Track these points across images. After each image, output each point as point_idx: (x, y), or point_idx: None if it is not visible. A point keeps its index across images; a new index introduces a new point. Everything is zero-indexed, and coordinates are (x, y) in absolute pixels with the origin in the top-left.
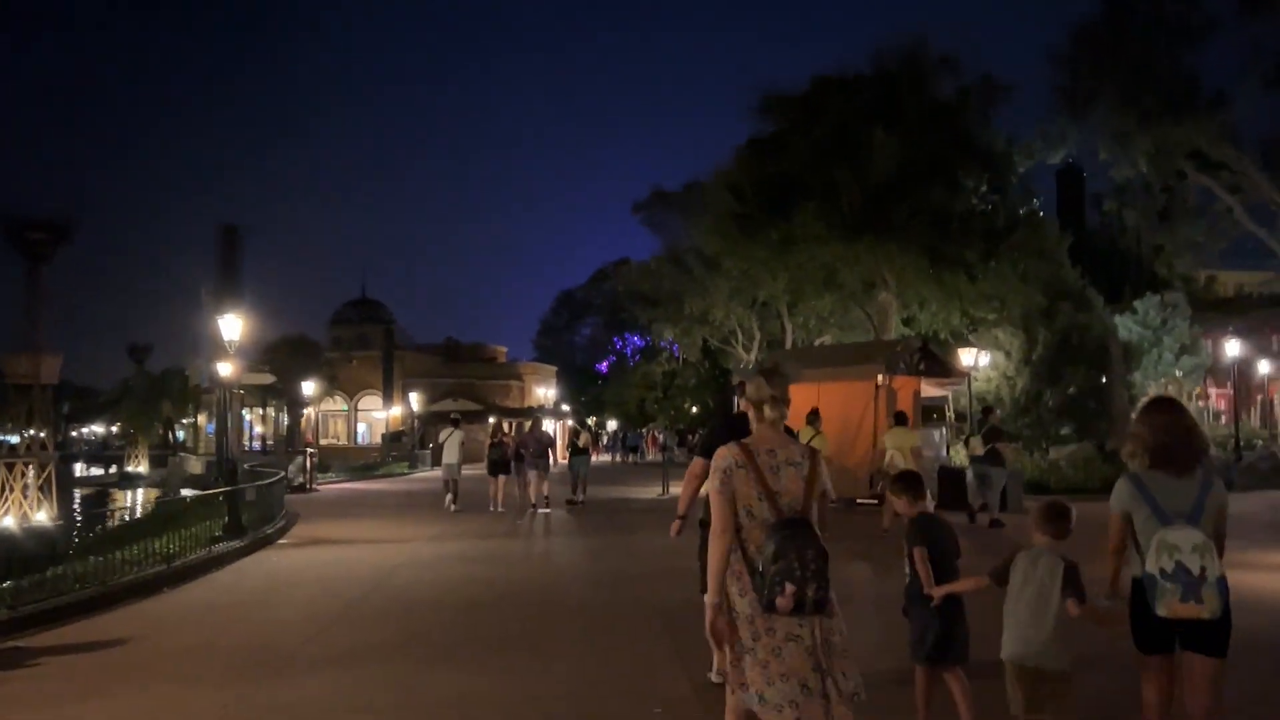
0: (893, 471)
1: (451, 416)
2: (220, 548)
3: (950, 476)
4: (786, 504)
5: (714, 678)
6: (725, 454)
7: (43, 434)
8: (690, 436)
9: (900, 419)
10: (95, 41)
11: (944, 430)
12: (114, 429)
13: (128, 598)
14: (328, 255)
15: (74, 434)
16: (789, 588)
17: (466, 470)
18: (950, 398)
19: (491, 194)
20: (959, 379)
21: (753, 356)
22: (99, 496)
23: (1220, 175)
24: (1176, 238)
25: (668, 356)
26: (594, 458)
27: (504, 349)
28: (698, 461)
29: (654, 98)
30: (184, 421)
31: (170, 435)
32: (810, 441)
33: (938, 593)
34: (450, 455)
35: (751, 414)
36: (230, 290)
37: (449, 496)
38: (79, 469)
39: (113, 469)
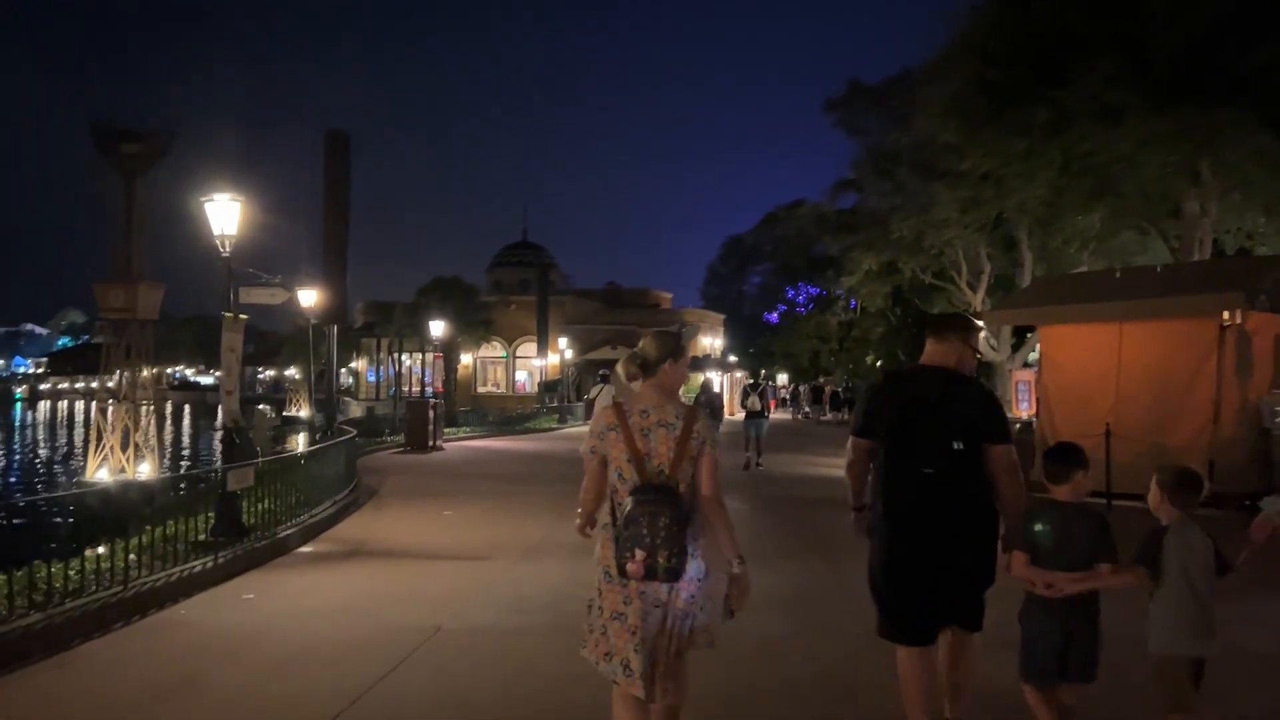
0: None
1: (600, 372)
2: (161, 576)
3: None
4: (654, 467)
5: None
6: (600, 418)
7: (144, 374)
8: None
9: None
10: None
11: None
12: (289, 372)
13: None
14: (491, 200)
15: (258, 376)
16: (639, 553)
17: None
18: None
19: (662, 136)
20: None
21: (980, 296)
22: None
23: None
24: None
25: (843, 306)
26: (771, 413)
27: (668, 295)
28: (854, 443)
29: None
30: (350, 366)
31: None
32: None
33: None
34: None
35: (625, 370)
36: (338, 201)
37: None
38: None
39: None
